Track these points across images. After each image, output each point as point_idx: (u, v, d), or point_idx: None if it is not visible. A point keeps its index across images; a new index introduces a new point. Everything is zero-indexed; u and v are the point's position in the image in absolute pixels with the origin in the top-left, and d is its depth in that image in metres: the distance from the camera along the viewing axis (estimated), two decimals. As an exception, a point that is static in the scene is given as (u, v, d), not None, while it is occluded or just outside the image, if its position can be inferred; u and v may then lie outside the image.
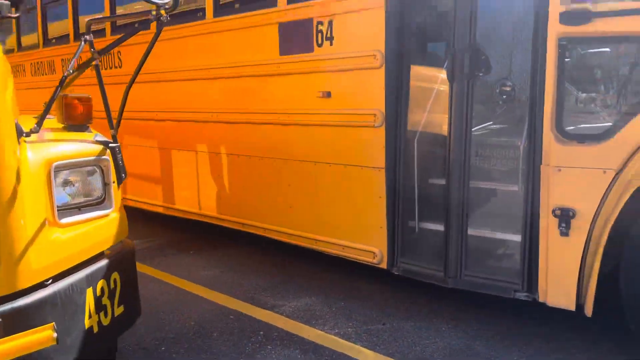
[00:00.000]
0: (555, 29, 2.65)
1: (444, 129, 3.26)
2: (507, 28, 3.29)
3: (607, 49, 2.65)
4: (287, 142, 3.90)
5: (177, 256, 4.77)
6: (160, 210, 5.12)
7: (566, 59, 2.66)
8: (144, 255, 4.82)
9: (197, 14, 4.39)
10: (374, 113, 3.36)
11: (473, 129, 4.00)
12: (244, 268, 4.36)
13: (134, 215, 5.82)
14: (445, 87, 3.22)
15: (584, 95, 2.70)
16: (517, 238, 3.00)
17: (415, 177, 3.43)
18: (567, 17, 2.60)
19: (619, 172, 2.55)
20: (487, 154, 3.70)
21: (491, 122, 4.09)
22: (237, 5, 4.17)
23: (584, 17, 2.57)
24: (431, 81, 3.48)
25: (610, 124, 2.60)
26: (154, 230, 5.51)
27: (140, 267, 4.56)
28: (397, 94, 3.34)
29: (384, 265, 3.49)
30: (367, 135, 3.42)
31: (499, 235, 3.16)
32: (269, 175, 4.08)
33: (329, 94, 3.58)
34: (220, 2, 4.23)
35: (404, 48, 3.30)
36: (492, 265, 3.15)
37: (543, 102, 2.74)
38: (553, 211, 2.74)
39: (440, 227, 3.26)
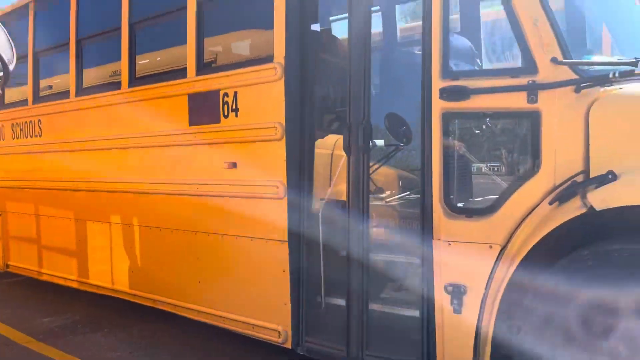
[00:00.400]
0: (438, 104, 2.68)
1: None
2: (403, 101, 3.34)
3: (488, 124, 2.69)
4: (196, 213, 3.77)
5: (87, 335, 4.44)
6: (74, 285, 4.84)
7: (449, 133, 2.68)
8: (52, 334, 4.49)
9: (114, 84, 4.35)
10: (276, 185, 3.29)
11: (390, 200, 4.00)
12: (156, 347, 4.07)
13: (54, 290, 5.52)
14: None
15: (469, 169, 2.69)
16: (417, 314, 2.88)
17: (320, 250, 3.33)
18: (447, 94, 2.64)
19: (504, 247, 2.51)
20: (397, 225, 3.66)
21: (409, 192, 4.09)
22: (151, 76, 4.17)
23: (463, 93, 2.60)
24: (336, 151, 3.46)
25: (494, 198, 2.58)
26: (72, 305, 5.18)
27: (43, 349, 4.24)
28: (300, 165, 3.30)
29: (288, 345, 3.30)
30: (271, 207, 3.33)
31: (401, 312, 3.05)
32: (179, 249, 3.91)
33: (235, 165, 3.52)
34: (136, 75, 4.21)
35: (305, 120, 3.29)
36: (394, 344, 3.00)
37: (432, 176, 2.72)
38: (445, 287, 2.66)
39: (344, 303, 3.12)
